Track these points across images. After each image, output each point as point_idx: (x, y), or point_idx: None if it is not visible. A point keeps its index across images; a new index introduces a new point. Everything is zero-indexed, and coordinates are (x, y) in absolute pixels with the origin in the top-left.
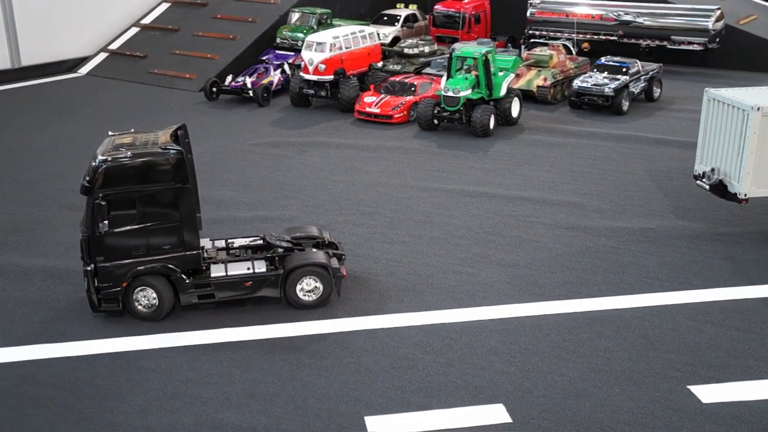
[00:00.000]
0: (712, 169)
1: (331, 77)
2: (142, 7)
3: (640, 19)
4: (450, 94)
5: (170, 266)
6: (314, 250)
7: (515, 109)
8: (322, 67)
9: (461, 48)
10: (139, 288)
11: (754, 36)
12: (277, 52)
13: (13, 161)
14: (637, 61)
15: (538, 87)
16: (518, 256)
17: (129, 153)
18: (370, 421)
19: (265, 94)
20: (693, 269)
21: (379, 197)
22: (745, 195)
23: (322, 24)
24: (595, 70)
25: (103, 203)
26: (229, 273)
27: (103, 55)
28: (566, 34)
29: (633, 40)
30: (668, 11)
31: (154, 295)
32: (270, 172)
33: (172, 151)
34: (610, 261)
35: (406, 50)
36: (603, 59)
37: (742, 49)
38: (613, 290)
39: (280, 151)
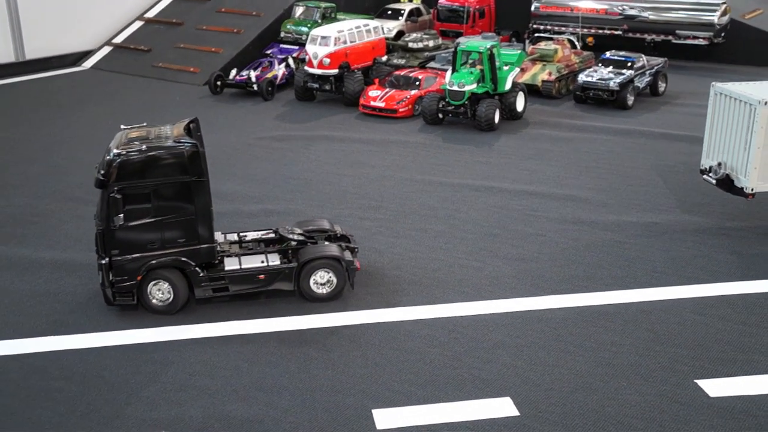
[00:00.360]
0: (719, 164)
1: (335, 71)
2: (147, 0)
3: (644, 14)
4: (455, 88)
5: (185, 260)
6: (326, 243)
7: (520, 103)
8: (327, 61)
9: (466, 42)
10: (154, 282)
11: (760, 30)
12: (281, 46)
13: (19, 154)
14: (643, 55)
15: (543, 81)
16: (524, 250)
17: (144, 146)
18: (377, 413)
19: (270, 88)
20: (699, 264)
21: (384, 191)
22: (752, 190)
23: (327, 18)
24: (600, 64)
25: (118, 197)
26: (243, 266)
27: (107, 49)
28: (571, 29)
29: (638, 35)
30: (673, 5)
31: (169, 288)
32: (275, 165)
33: (187, 145)
34: (617, 255)
35: (410, 44)
36: (608, 54)
37: (748, 43)
38: (619, 284)
39: (284, 144)
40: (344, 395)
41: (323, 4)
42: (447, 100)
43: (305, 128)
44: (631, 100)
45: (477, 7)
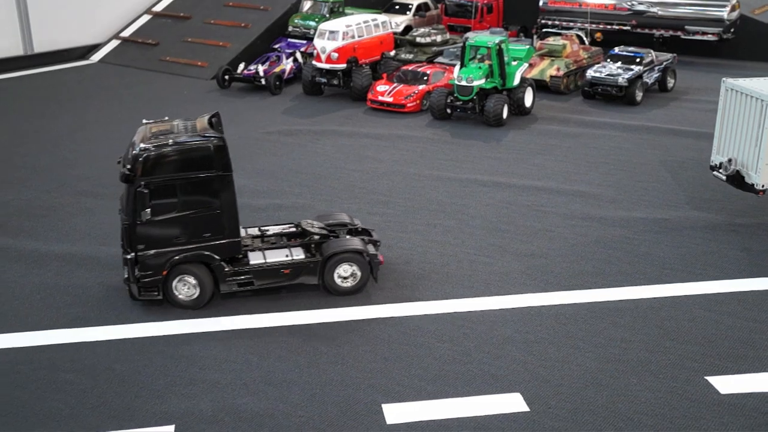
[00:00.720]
0: (729, 160)
1: (343, 66)
2: None
3: (653, 9)
4: (463, 83)
5: (211, 254)
6: (348, 236)
7: (528, 98)
8: (335, 55)
9: (475, 37)
10: (180, 276)
11: None
12: (289, 40)
13: (27, 147)
14: (651, 51)
15: (552, 77)
16: (533, 245)
17: (170, 141)
18: (387, 408)
19: (278, 83)
20: (709, 260)
21: (392, 186)
22: (763, 186)
23: (334, 12)
24: (608, 60)
25: (145, 191)
26: (267, 260)
27: (115, 43)
28: (579, 24)
29: (646, 31)
30: (682, 1)
31: (195, 283)
32: (283, 160)
33: (213, 139)
34: (626, 251)
35: (418, 39)
36: (617, 49)
37: (758, 39)
38: (628, 280)
39: (292, 139)
40: (354, 390)
41: None
42: (455, 95)
43: (313, 123)
44: (639, 95)
45: (485, 2)
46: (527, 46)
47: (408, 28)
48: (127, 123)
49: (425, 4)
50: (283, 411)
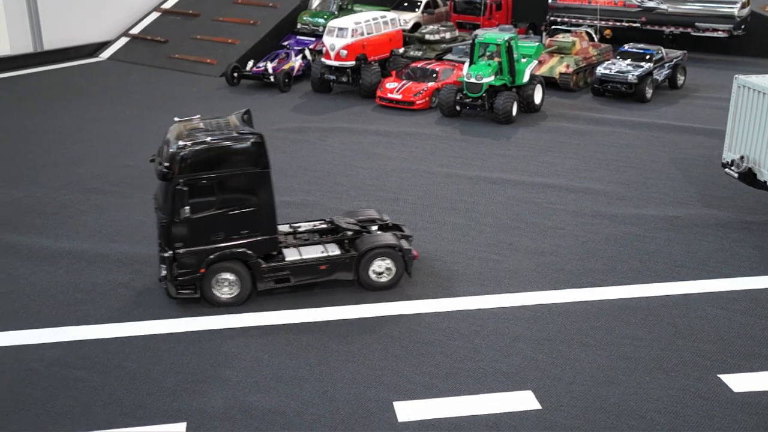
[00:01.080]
0: (741, 157)
1: (352, 63)
2: None
3: (663, 6)
4: (473, 80)
5: (249, 251)
6: (381, 232)
7: (538, 95)
8: (344, 52)
9: (484, 34)
10: (218, 274)
11: None
12: (298, 37)
13: (37, 145)
14: (661, 48)
15: (561, 74)
16: (543, 243)
17: (209, 138)
18: (398, 406)
19: (287, 80)
20: (720, 258)
21: (402, 183)
22: None
23: (343, 9)
24: (618, 57)
25: (184, 189)
26: (303, 257)
27: (124, 40)
28: (588, 21)
29: (656, 27)
30: None
31: (234, 280)
32: (292, 157)
33: (252, 136)
34: (637, 249)
35: (427, 36)
36: (626, 46)
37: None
38: (639, 278)
39: (301, 136)
40: (365, 387)
41: None
42: (464, 92)
43: (322, 120)
44: (649, 92)
45: None
46: (536, 43)
47: (417, 26)
48: (137, 120)
49: (434, 1)
50: (294, 408)
